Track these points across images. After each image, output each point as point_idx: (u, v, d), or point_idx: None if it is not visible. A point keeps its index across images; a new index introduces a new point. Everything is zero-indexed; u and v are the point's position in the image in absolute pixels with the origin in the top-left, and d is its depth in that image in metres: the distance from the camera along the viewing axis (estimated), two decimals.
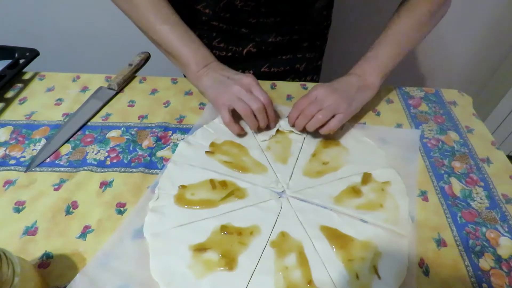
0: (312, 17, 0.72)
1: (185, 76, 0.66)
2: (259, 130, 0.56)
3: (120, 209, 0.45)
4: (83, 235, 0.42)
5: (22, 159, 0.51)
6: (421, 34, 0.61)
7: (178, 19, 0.58)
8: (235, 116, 0.54)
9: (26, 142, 0.53)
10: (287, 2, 0.65)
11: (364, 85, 0.56)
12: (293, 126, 0.55)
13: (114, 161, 0.51)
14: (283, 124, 0.57)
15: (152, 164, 0.51)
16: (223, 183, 0.48)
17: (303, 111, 0.53)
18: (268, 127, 0.56)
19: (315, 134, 0.56)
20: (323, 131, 0.53)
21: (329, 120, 0.52)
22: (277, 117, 0.57)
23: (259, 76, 0.73)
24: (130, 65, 0.67)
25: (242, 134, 0.55)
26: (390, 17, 0.62)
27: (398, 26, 0.59)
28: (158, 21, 0.56)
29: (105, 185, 0.48)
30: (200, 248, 0.40)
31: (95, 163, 0.50)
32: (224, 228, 0.42)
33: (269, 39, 0.71)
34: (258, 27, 0.68)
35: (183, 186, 0.47)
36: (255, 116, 0.53)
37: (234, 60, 0.73)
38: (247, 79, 0.53)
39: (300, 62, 0.77)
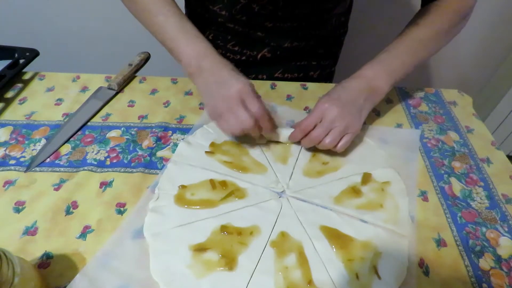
0: (330, 23, 0.70)
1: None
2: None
3: (120, 209, 0.45)
4: (83, 235, 0.42)
5: (22, 159, 0.51)
6: (438, 46, 0.57)
7: (177, 10, 0.54)
8: None
9: (26, 142, 0.53)
10: (306, 7, 0.63)
11: (372, 90, 0.52)
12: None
13: (114, 161, 0.51)
14: (283, 137, 0.53)
15: (152, 164, 0.51)
16: (223, 183, 0.48)
17: (310, 135, 0.49)
18: (262, 136, 0.52)
19: None
20: (330, 149, 0.50)
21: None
22: (274, 125, 0.52)
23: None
24: (130, 65, 0.67)
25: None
26: (408, 24, 0.58)
27: (415, 34, 0.55)
28: (157, 12, 0.53)
29: (105, 185, 0.48)
30: (200, 248, 0.40)
31: (95, 163, 0.50)
32: (224, 228, 0.42)
33: (285, 44, 0.69)
34: (274, 31, 0.67)
35: (183, 186, 0.47)
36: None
37: (248, 64, 0.72)
38: (237, 86, 0.47)
39: (314, 69, 0.75)
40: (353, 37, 0.82)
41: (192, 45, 0.52)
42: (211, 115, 0.50)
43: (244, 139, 0.54)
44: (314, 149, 0.53)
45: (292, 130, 0.52)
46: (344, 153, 0.53)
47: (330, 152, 0.53)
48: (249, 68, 0.73)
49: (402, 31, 0.58)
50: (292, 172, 0.51)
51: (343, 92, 0.51)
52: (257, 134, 0.50)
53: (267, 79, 0.73)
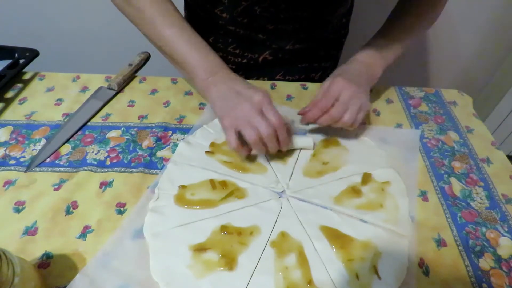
0: (332, 25, 0.70)
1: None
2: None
3: (120, 209, 0.45)
4: (83, 235, 0.42)
5: (22, 159, 0.51)
6: (422, 31, 0.62)
7: (186, 24, 0.54)
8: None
9: (26, 142, 0.53)
10: (308, 9, 0.63)
11: (371, 75, 0.57)
12: (307, 123, 0.55)
13: (114, 161, 0.51)
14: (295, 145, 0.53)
15: (152, 164, 0.51)
16: (223, 183, 0.48)
17: (330, 113, 0.50)
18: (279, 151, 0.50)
19: (315, 132, 0.56)
20: (348, 128, 0.52)
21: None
22: (289, 137, 0.51)
23: None
24: (130, 65, 0.67)
25: (251, 156, 0.51)
26: (394, 11, 0.62)
27: (402, 21, 0.60)
28: (164, 25, 0.53)
29: (105, 185, 0.48)
30: (200, 248, 0.40)
31: (95, 163, 0.50)
32: (224, 228, 0.42)
33: (287, 47, 0.69)
34: (276, 33, 0.67)
35: (183, 186, 0.47)
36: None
37: (249, 67, 0.72)
38: (258, 96, 0.47)
39: (315, 71, 0.76)
40: (353, 39, 0.83)
41: (204, 59, 0.53)
42: (225, 125, 0.48)
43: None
44: (313, 151, 0.53)
45: (304, 137, 0.54)
46: (344, 153, 0.53)
47: (330, 152, 0.53)
48: (250, 71, 0.72)
49: (389, 18, 0.62)
50: (292, 172, 0.51)
51: (350, 74, 0.54)
52: (274, 147, 0.48)
53: (268, 81, 0.73)
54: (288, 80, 0.74)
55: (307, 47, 0.70)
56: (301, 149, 0.54)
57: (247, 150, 0.49)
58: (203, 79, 0.52)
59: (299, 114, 0.54)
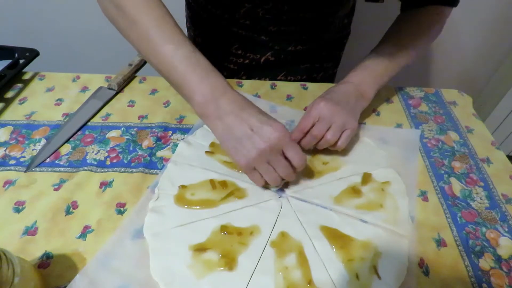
0: (334, 26, 0.70)
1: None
2: None
3: (120, 209, 0.45)
4: (83, 235, 0.42)
5: (22, 159, 0.51)
6: (418, 51, 0.59)
7: (187, 39, 0.46)
8: None
9: (26, 142, 0.53)
10: (310, 10, 0.63)
11: (360, 95, 0.54)
12: None
13: (114, 161, 0.51)
14: None
15: (152, 164, 0.51)
16: (223, 183, 0.48)
17: (311, 132, 0.49)
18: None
19: None
20: (331, 148, 0.51)
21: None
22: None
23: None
24: (130, 65, 0.67)
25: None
26: (389, 30, 0.61)
27: (397, 40, 0.58)
28: (160, 41, 0.44)
29: (105, 185, 0.48)
30: (200, 248, 0.40)
31: (95, 163, 0.50)
32: (224, 228, 0.42)
33: (289, 48, 0.69)
34: (278, 35, 0.66)
35: (183, 186, 0.47)
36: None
37: (251, 68, 0.72)
38: (277, 134, 0.41)
39: (317, 71, 0.75)
40: (355, 39, 0.83)
41: (206, 81, 0.44)
42: (245, 168, 0.44)
43: None
44: (313, 151, 0.53)
45: None
46: (344, 153, 0.53)
47: (330, 152, 0.53)
48: (252, 71, 0.72)
49: (383, 37, 0.60)
50: None
51: (335, 94, 0.52)
52: (292, 179, 0.46)
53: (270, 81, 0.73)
54: (290, 80, 0.74)
55: (309, 48, 0.70)
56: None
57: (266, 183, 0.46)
58: (203, 105, 0.45)
59: None
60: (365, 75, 0.56)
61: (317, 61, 0.74)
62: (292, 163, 0.43)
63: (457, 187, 0.50)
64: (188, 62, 0.45)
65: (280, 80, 0.73)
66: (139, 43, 0.47)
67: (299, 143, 0.50)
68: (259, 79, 0.72)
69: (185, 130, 0.57)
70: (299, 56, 0.71)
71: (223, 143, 0.45)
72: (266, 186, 0.47)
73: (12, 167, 0.49)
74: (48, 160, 0.51)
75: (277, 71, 0.73)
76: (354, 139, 0.56)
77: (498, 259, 0.42)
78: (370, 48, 0.60)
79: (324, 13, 0.65)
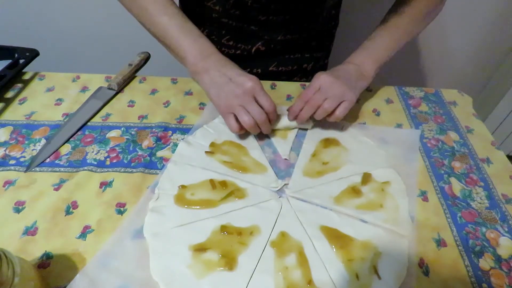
0: (322, 16, 0.71)
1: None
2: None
3: (120, 209, 0.45)
4: (83, 235, 0.42)
5: (22, 159, 0.51)
6: (417, 30, 0.63)
7: (178, 10, 0.56)
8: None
9: (26, 142, 0.53)
10: (298, 0, 0.64)
11: (361, 75, 0.58)
12: (294, 119, 0.55)
13: (114, 161, 0.51)
14: (281, 123, 0.56)
15: (152, 164, 0.51)
16: (223, 183, 0.48)
17: (309, 101, 0.52)
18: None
19: (315, 132, 0.56)
20: (330, 119, 0.53)
21: (335, 108, 0.52)
22: (279, 118, 0.56)
23: (267, 75, 0.73)
24: (130, 65, 0.67)
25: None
26: (388, 11, 0.63)
27: (396, 20, 0.61)
28: (156, 12, 0.55)
29: (105, 185, 0.48)
30: (200, 248, 0.40)
31: (95, 163, 0.50)
32: (224, 228, 0.42)
33: (278, 37, 0.70)
34: (268, 24, 0.68)
35: (183, 186, 0.47)
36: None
37: (242, 58, 0.73)
38: (250, 82, 0.50)
39: (308, 61, 0.77)
40: (344, 30, 0.84)
41: (195, 44, 0.55)
42: (222, 111, 0.52)
43: (245, 139, 0.55)
44: (313, 151, 0.53)
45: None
46: (344, 153, 0.53)
47: (330, 152, 0.53)
48: (244, 62, 0.73)
49: (383, 19, 0.63)
50: (292, 172, 0.51)
51: (337, 71, 0.56)
52: (267, 129, 0.53)
53: (262, 72, 0.74)
54: (281, 70, 0.75)
55: (298, 38, 0.72)
56: (300, 128, 0.57)
57: (244, 130, 0.53)
58: (194, 64, 0.54)
59: (287, 110, 0.56)
60: (366, 55, 0.59)
61: (307, 51, 0.76)
62: (264, 108, 0.51)
63: (457, 187, 0.50)
64: (181, 30, 0.55)
65: (272, 70, 0.75)
66: (138, 14, 0.57)
67: (299, 113, 0.54)
68: (251, 69, 0.74)
69: (185, 130, 0.57)
70: (289, 46, 0.73)
71: (208, 92, 0.54)
72: (244, 133, 0.53)
73: (12, 167, 0.49)
74: (48, 160, 0.51)
75: (268, 61, 0.75)
76: (354, 139, 0.56)
77: (498, 259, 0.42)
78: (360, 39, 0.62)
79: (311, 3, 0.67)
